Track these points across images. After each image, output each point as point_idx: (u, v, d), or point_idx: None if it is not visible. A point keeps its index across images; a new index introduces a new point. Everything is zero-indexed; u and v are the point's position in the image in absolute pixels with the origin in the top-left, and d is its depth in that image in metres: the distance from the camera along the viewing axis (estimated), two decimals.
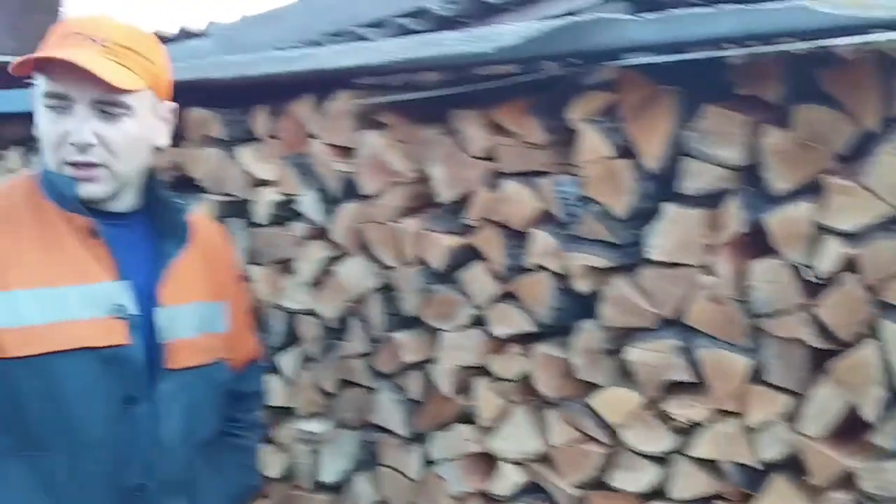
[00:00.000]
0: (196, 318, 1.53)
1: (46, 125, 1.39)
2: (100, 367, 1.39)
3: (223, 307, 1.61)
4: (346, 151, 2.05)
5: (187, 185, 2.35)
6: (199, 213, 1.73)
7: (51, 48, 1.38)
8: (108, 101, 1.38)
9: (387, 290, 2.00)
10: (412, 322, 1.98)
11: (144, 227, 1.51)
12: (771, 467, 1.52)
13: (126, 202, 1.49)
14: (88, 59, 1.34)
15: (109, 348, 1.39)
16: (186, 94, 2.25)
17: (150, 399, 1.43)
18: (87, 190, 1.41)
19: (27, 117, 2.91)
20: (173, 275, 1.49)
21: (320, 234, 2.11)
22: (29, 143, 3.02)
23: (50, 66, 1.35)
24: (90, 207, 1.42)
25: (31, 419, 1.38)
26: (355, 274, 2.02)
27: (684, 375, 1.57)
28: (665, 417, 1.61)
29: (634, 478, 1.66)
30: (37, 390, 1.36)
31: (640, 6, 2.02)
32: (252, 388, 1.75)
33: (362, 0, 2.66)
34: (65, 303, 1.38)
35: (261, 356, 1.79)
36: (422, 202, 1.94)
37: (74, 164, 1.39)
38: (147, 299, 1.46)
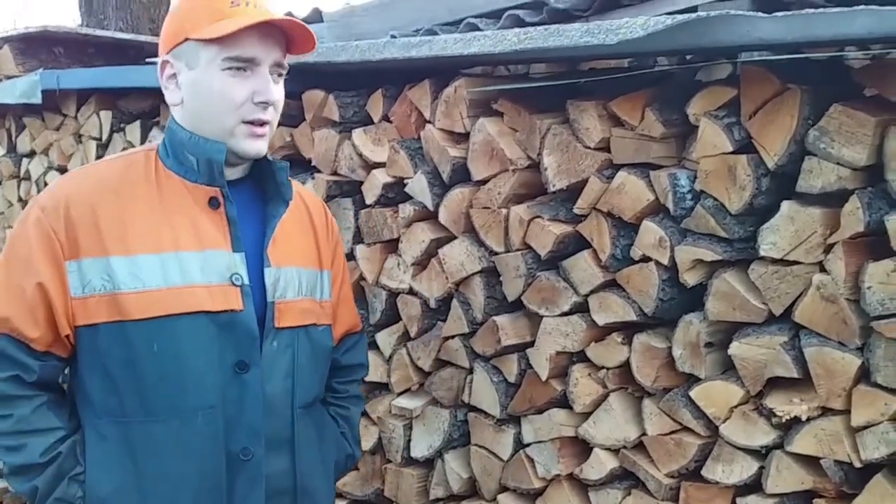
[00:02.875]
0: (301, 281, 1.59)
1: (228, 87, 1.45)
2: (215, 330, 1.45)
3: (326, 276, 1.67)
4: (459, 137, 2.11)
5: (301, 165, 2.44)
6: (304, 187, 1.79)
7: (225, 16, 1.44)
8: (281, 64, 1.50)
9: (490, 275, 2.06)
10: (513, 306, 2.03)
11: (252, 192, 1.59)
12: (872, 467, 1.52)
13: (241, 168, 1.57)
14: (289, 22, 1.46)
15: (225, 313, 1.46)
16: (306, 76, 2.37)
17: (258, 362, 1.49)
18: (259, 146, 1.50)
19: (146, 92, 3.08)
20: (280, 237, 1.56)
21: (428, 216, 2.17)
22: (149, 117, 3.17)
23: (237, 33, 1.42)
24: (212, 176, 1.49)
25: (146, 383, 1.44)
26: (460, 257, 2.08)
27: (789, 372, 1.58)
28: (765, 412, 1.62)
29: (730, 470, 1.67)
30: (155, 352, 1.43)
31: (762, 4, 2.02)
32: (353, 361, 1.80)
33: None
34: (185, 268, 1.45)
35: (360, 328, 1.84)
36: (531, 190, 1.99)
37: (252, 122, 1.47)
38: (257, 261, 1.53)
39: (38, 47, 3.90)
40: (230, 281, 1.47)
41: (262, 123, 1.48)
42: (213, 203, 1.50)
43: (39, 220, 1.45)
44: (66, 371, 1.54)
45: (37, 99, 3.39)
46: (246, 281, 1.49)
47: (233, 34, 1.42)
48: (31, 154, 3.80)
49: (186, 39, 1.46)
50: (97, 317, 1.43)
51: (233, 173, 1.55)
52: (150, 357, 1.43)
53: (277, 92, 1.49)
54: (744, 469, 1.66)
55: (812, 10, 1.51)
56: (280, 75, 1.51)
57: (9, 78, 3.80)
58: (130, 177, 1.50)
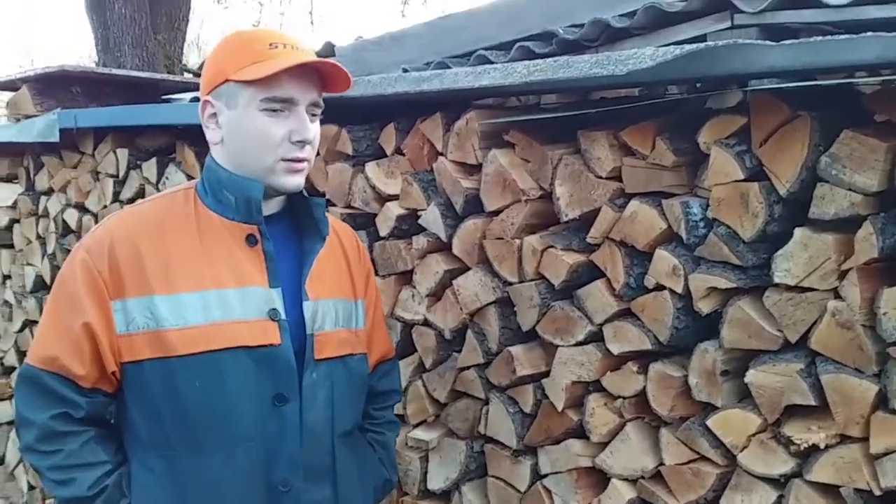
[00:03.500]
0: (337, 312, 1.63)
1: (267, 127, 1.50)
2: (254, 365, 1.49)
3: (360, 305, 1.70)
4: (471, 169, 2.12)
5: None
6: (333, 217, 1.82)
7: (266, 57, 1.48)
8: (317, 104, 1.54)
9: (504, 305, 2.06)
10: (528, 336, 2.03)
11: (287, 226, 1.64)
12: (892, 494, 1.50)
13: (277, 203, 1.60)
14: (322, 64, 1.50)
15: (263, 347, 1.49)
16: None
17: (296, 394, 1.52)
18: (297, 181, 1.55)
19: (162, 130, 3.12)
20: (317, 270, 1.60)
21: (441, 247, 2.18)
22: (164, 154, 3.21)
23: (275, 75, 1.46)
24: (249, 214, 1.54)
25: (189, 417, 1.48)
26: (474, 288, 2.08)
27: (807, 399, 1.57)
28: (783, 440, 1.60)
29: (749, 500, 1.65)
30: (198, 387, 1.47)
31: (769, 32, 2.03)
32: (388, 387, 1.84)
33: (487, 23, 2.74)
34: (224, 304, 1.49)
35: (393, 354, 1.88)
36: (544, 220, 1.99)
37: (292, 160, 1.51)
38: (295, 294, 1.57)
39: (55, 87, 3.97)
40: (268, 316, 1.52)
41: (301, 160, 1.53)
42: (250, 240, 1.54)
43: (84, 261, 1.51)
44: (112, 407, 1.58)
45: (54, 138, 3.43)
46: (283, 316, 1.53)
47: (271, 76, 1.46)
48: (50, 192, 3.85)
49: (226, 80, 1.51)
50: (142, 353, 1.48)
51: (269, 208, 1.59)
52: (192, 392, 1.48)
53: (314, 130, 1.54)
54: (762, 498, 1.64)
55: (820, 38, 1.51)
56: (315, 115, 1.55)
57: (27, 117, 3.86)
58: (171, 216, 1.56)
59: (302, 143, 1.52)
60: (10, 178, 4.24)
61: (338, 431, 1.61)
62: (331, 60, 1.53)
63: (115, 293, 1.48)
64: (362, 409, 1.73)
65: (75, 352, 1.48)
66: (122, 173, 3.35)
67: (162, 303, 1.47)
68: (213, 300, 1.49)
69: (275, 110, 1.50)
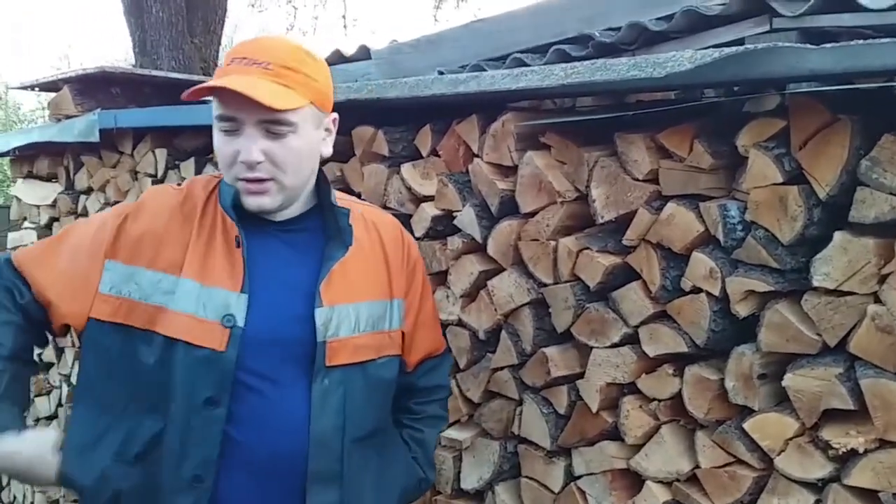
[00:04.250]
0: (362, 316, 1.61)
1: (220, 145, 1.52)
2: (194, 363, 1.50)
3: (397, 304, 1.69)
4: (507, 170, 2.13)
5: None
6: (377, 211, 1.81)
7: (219, 75, 1.50)
8: (273, 121, 1.47)
9: (539, 306, 2.07)
10: (563, 338, 2.04)
11: (314, 229, 1.63)
12: None
13: (295, 209, 1.61)
14: (249, 85, 1.43)
15: (203, 348, 1.50)
16: (355, 112, 2.42)
17: (227, 403, 1.51)
18: (258, 202, 1.53)
19: (200, 130, 3.16)
20: (339, 275, 1.58)
21: (476, 248, 2.19)
22: (202, 154, 3.25)
23: (221, 92, 1.46)
24: (260, 216, 1.56)
25: (139, 386, 1.54)
26: (508, 289, 2.09)
27: (845, 404, 1.56)
28: (821, 444, 1.60)
29: None
30: (151, 364, 1.52)
31: (808, 35, 2.02)
32: (431, 383, 1.82)
33: (523, 26, 2.74)
34: (189, 297, 1.52)
35: (442, 350, 1.86)
36: (579, 222, 2.00)
37: (246, 180, 1.51)
38: (309, 298, 1.56)
39: (95, 88, 4.03)
40: (221, 321, 1.51)
41: (252, 181, 1.50)
42: (237, 241, 1.55)
43: (103, 215, 1.65)
44: (37, 337, 1.66)
45: (95, 138, 3.50)
46: (239, 323, 1.51)
47: (216, 94, 1.47)
48: (89, 191, 3.92)
49: None
50: (113, 316, 1.55)
51: (285, 214, 1.60)
52: (145, 367, 1.52)
53: (268, 149, 1.48)
54: (800, 502, 1.63)
55: (861, 42, 1.51)
56: (277, 132, 1.48)
57: (68, 117, 3.93)
58: (187, 199, 1.60)
59: (249, 164, 1.48)
60: (50, 178, 4.31)
61: (350, 438, 1.58)
62: (245, 93, 1.41)
63: (111, 254, 1.56)
64: (386, 410, 1.71)
65: (49, 271, 1.60)
66: (160, 173, 3.40)
67: (143, 276, 1.53)
68: (184, 289, 1.51)
69: (226, 130, 1.49)
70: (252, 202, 1.52)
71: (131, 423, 1.54)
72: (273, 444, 1.52)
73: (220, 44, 6.66)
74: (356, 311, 1.61)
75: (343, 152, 2.51)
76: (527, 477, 2.11)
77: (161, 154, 3.40)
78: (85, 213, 3.92)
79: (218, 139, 1.51)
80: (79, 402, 1.63)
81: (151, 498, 1.52)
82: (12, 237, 4.69)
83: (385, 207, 2.41)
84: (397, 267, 1.71)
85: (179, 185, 1.69)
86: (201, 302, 1.51)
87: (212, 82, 1.47)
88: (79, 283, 1.58)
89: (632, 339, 1.89)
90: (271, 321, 1.53)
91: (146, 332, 1.52)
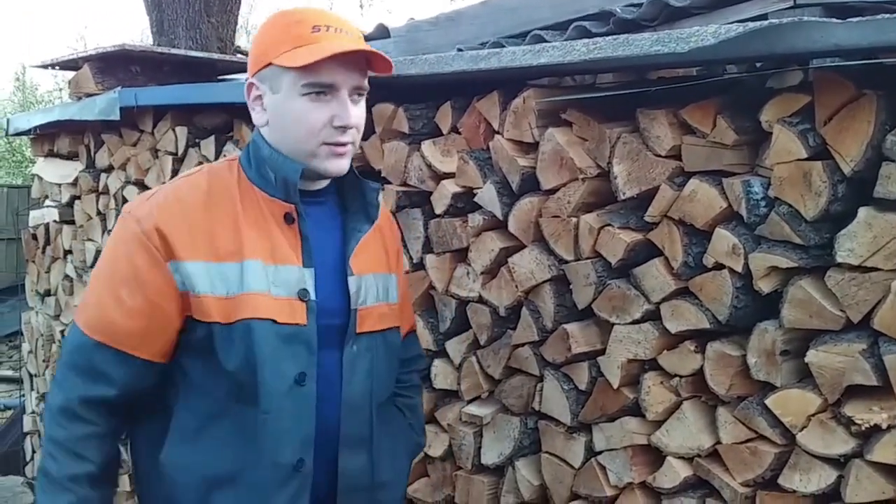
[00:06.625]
0: (380, 287, 1.67)
1: (307, 112, 1.50)
2: (278, 341, 1.50)
3: (394, 279, 1.74)
4: (528, 147, 2.13)
5: (371, 176, 2.49)
6: None
7: (309, 42, 1.48)
8: (361, 87, 1.54)
9: (560, 283, 2.07)
10: (584, 314, 2.04)
11: (335, 202, 1.66)
12: None
13: (325, 180, 1.63)
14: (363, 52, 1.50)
15: (289, 325, 1.51)
16: (375, 90, 2.41)
17: (314, 376, 1.52)
18: (341, 165, 1.56)
19: (220, 108, 3.17)
20: (361, 248, 1.62)
21: (497, 225, 2.20)
22: (222, 132, 3.26)
23: (319, 61, 1.45)
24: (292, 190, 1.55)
25: (230, 376, 1.49)
26: (529, 265, 2.10)
27: (868, 380, 1.56)
28: (844, 420, 1.60)
29: (808, 479, 1.65)
30: (234, 355, 1.48)
31: (832, 10, 2.00)
32: (412, 353, 1.90)
33: (543, 3, 2.73)
34: (259, 277, 1.50)
35: (415, 324, 1.96)
36: (601, 198, 2.00)
37: (334, 144, 1.52)
38: (337, 270, 1.60)
39: (115, 66, 4.04)
40: (298, 296, 1.53)
41: (342, 144, 1.53)
42: (287, 218, 1.56)
43: (135, 232, 1.51)
44: (149, 381, 1.57)
45: (115, 116, 3.51)
46: (312, 297, 1.54)
47: (312, 63, 1.46)
48: (109, 169, 3.94)
49: (269, 64, 1.51)
50: (190, 312, 1.50)
51: (316, 184, 1.61)
52: (231, 359, 1.48)
53: (356, 114, 1.53)
54: (822, 478, 1.64)
55: (887, 16, 1.49)
56: (360, 95, 1.55)
57: (88, 96, 3.95)
58: (217, 184, 1.57)
59: (343, 128, 1.51)
60: (72, 156, 4.34)
61: (375, 402, 1.64)
62: (370, 49, 1.51)
63: (167, 256, 1.48)
64: (395, 379, 1.77)
65: (132, 320, 1.49)
66: (181, 151, 3.41)
67: (205, 269, 1.48)
68: (251, 271, 1.50)
69: (317, 93, 1.49)
70: (337, 165, 1.55)
71: (223, 419, 1.52)
72: (322, 414, 1.55)
73: (237, 23, 6.64)
74: (375, 281, 1.66)
75: (364, 129, 2.50)
76: (547, 452, 2.12)
77: (181, 132, 3.41)
78: (106, 192, 3.95)
79: (303, 106, 1.50)
80: (172, 404, 1.57)
81: (249, 491, 1.50)
82: (34, 215, 4.74)
83: (405, 185, 2.42)
84: (391, 244, 1.78)
85: (187, 176, 1.64)
86: (270, 280, 1.51)
87: (331, 49, 1.46)
88: (157, 321, 1.51)
89: (653, 316, 1.89)
90: (325, 291, 1.57)
91: (224, 324, 1.48)
